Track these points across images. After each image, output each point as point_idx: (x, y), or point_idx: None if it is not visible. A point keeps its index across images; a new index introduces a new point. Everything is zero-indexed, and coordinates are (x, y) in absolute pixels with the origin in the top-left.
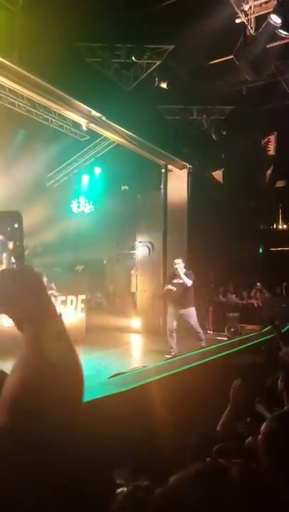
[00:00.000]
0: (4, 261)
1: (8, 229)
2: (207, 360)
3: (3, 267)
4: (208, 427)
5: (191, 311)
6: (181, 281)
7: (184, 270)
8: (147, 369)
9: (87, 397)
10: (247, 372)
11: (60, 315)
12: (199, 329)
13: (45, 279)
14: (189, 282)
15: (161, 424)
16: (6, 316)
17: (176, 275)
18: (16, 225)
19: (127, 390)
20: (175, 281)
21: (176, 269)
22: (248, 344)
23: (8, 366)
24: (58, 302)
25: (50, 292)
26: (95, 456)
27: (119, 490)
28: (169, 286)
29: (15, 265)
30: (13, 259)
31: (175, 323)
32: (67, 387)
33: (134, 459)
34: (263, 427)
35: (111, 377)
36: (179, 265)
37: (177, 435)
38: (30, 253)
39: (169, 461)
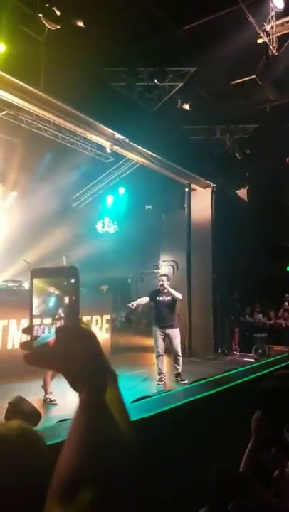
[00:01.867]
0: (60, 316)
1: (65, 283)
2: (233, 384)
3: (60, 323)
4: (231, 458)
5: (177, 332)
6: (167, 298)
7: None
8: (172, 393)
9: None
10: (274, 397)
11: (115, 373)
12: (180, 353)
13: None
14: (180, 295)
15: (183, 453)
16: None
17: (160, 291)
18: (72, 280)
19: (151, 416)
20: (160, 298)
21: (162, 285)
22: (276, 367)
23: (8, 388)
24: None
25: None
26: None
27: None
28: (135, 302)
29: (69, 321)
30: (67, 314)
31: (163, 345)
32: (123, 464)
33: (152, 486)
34: None
35: (135, 401)
36: (164, 282)
37: (200, 465)
38: None
39: (192, 492)
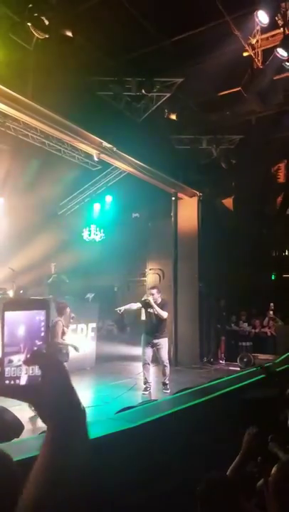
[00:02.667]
0: (30, 348)
1: (36, 317)
2: (218, 393)
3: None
4: (217, 467)
5: (165, 342)
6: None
7: (160, 300)
8: (157, 403)
9: (94, 433)
10: (259, 407)
11: (84, 410)
12: (167, 362)
13: (68, 310)
14: (165, 315)
15: (170, 462)
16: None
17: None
18: (43, 313)
19: (135, 426)
20: (150, 310)
21: (149, 300)
22: (260, 376)
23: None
24: (69, 331)
25: (70, 320)
26: (100, 494)
27: None
28: (122, 308)
29: (39, 354)
30: (38, 346)
31: (150, 354)
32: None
33: (140, 497)
34: (273, 470)
35: (119, 411)
36: (154, 295)
37: (187, 475)
38: (56, 280)
39: (180, 503)
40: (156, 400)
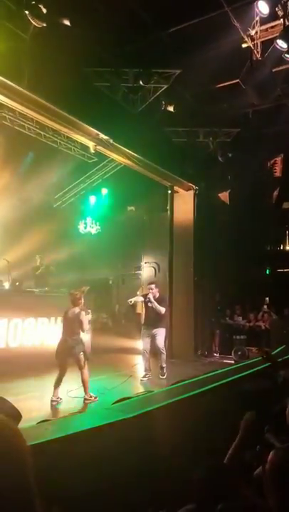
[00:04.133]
0: None
1: None
2: (213, 385)
3: None
4: (215, 455)
5: (161, 331)
6: (154, 305)
7: (158, 295)
8: (153, 394)
9: (91, 422)
10: (254, 398)
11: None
12: (164, 349)
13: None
14: (163, 310)
15: (167, 452)
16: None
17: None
18: None
19: (132, 417)
20: (149, 304)
21: (150, 298)
22: (255, 369)
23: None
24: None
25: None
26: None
27: None
28: (133, 299)
29: None
30: None
31: (148, 344)
32: None
33: (139, 486)
34: (270, 457)
35: (115, 402)
36: (153, 291)
37: (184, 464)
38: (45, 272)
39: (178, 490)
40: (152, 391)
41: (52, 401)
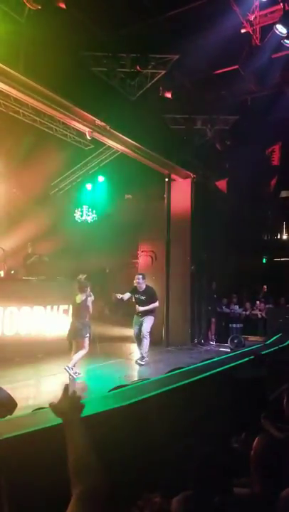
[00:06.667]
0: None
1: None
2: (209, 373)
3: None
4: (212, 442)
5: (149, 319)
6: (142, 297)
7: (144, 286)
8: (149, 382)
9: (87, 410)
10: (249, 386)
11: None
12: (148, 336)
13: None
14: (155, 305)
15: (163, 439)
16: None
17: (137, 289)
18: None
19: (128, 404)
20: (136, 295)
21: (138, 283)
22: (251, 357)
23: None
24: (61, 311)
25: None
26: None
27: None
28: (118, 295)
29: None
30: None
31: (138, 332)
32: None
33: (137, 473)
34: (254, 444)
35: (112, 390)
36: (139, 281)
37: (180, 451)
38: (37, 261)
39: (175, 476)
40: (148, 379)
41: (70, 375)
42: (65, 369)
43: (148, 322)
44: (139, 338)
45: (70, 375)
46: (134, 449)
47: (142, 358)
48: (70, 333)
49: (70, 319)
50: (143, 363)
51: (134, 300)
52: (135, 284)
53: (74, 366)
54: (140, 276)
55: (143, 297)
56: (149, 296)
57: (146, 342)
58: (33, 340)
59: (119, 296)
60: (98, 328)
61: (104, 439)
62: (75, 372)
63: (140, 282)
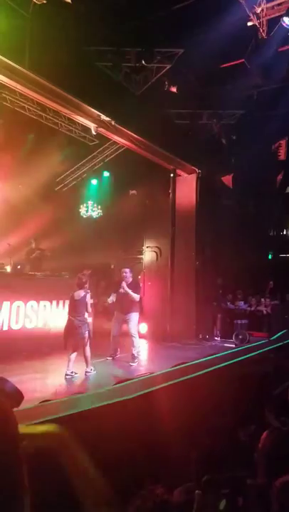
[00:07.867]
0: None
1: None
2: (213, 368)
3: None
4: (213, 436)
5: (133, 316)
6: (130, 289)
7: (130, 279)
8: (153, 376)
9: (93, 403)
10: (254, 381)
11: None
12: (136, 334)
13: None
14: (137, 297)
15: (166, 432)
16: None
17: (125, 285)
18: None
19: (133, 398)
20: (121, 290)
21: (122, 282)
22: (255, 352)
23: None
24: (66, 306)
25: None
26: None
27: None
28: (109, 300)
29: None
30: None
31: (116, 328)
32: None
33: (139, 465)
34: (263, 437)
35: (117, 383)
36: (126, 275)
37: (183, 444)
38: (40, 256)
39: (178, 468)
40: (151, 374)
41: (66, 375)
42: (86, 373)
43: (134, 320)
44: (117, 338)
45: (89, 373)
46: (138, 440)
47: (134, 357)
48: (66, 331)
49: (65, 316)
50: (135, 363)
51: (116, 295)
52: (123, 278)
53: (89, 364)
54: (128, 270)
55: (130, 290)
56: (135, 288)
57: (135, 341)
58: (40, 335)
59: (110, 300)
60: (103, 323)
61: (109, 432)
62: (72, 372)
63: (127, 276)
